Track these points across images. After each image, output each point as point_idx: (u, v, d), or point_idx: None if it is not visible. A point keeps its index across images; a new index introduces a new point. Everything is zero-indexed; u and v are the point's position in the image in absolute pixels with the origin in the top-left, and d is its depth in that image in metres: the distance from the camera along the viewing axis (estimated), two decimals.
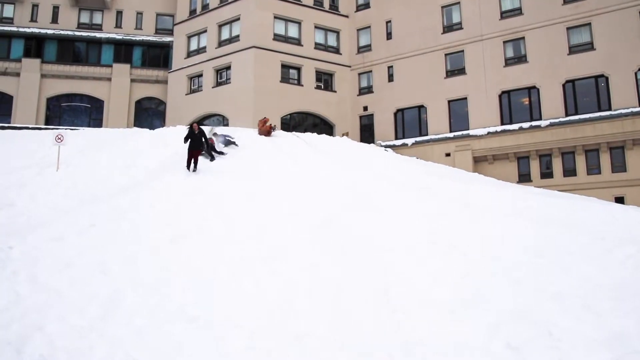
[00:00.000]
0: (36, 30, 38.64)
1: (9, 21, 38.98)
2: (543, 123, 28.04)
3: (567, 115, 27.82)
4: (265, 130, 25.01)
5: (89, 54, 39.73)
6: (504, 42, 30.32)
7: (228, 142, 20.97)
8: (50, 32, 38.74)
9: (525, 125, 28.53)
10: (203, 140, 16.75)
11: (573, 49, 28.16)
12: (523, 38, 29.73)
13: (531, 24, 29.47)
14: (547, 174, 28.08)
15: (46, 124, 36.86)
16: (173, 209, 11.45)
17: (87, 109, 38.72)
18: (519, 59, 29.87)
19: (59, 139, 16.68)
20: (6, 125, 33.90)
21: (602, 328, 5.92)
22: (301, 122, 34.91)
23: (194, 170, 15.81)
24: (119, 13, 40.51)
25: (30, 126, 33.69)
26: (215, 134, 21.08)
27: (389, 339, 5.79)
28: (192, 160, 16.04)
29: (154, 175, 15.03)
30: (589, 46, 27.73)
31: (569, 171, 27.37)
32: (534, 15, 29.45)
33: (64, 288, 6.98)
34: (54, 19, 39.56)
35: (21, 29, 38.50)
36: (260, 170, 16.64)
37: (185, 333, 5.89)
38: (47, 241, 8.85)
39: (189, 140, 16.17)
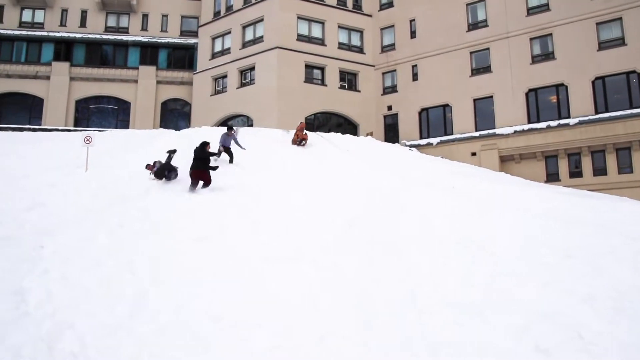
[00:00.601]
0: (65, 35, 39.44)
1: (40, 26, 39.85)
2: (572, 121, 27.50)
3: (596, 113, 27.23)
4: (297, 139, 22.53)
5: (116, 57, 40.39)
6: (531, 39, 29.82)
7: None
8: (78, 36, 39.50)
9: (553, 123, 28.01)
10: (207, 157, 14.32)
11: (603, 45, 27.56)
12: (550, 34, 29.21)
13: (559, 19, 28.93)
14: (576, 173, 27.52)
15: (75, 125, 37.58)
16: (198, 208, 11.55)
17: (114, 110, 39.36)
18: (546, 56, 29.35)
19: (88, 140, 16.99)
20: (37, 127, 34.67)
21: (636, 331, 5.76)
22: (325, 122, 34.90)
23: (193, 188, 13.52)
24: (145, 16, 41.09)
25: (59, 128, 34.38)
26: (230, 128, 18.85)
27: (415, 339, 5.73)
28: (195, 183, 13.73)
29: (180, 175, 15.16)
30: (620, 42, 27.10)
31: (599, 170, 26.78)
32: (562, 10, 28.90)
33: (93, 287, 7.09)
34: (82, 23, 40.32)
35: (51, 34, 39.33)
36: (285, 170, 16.67)
37: (210, 332, 5.92)
38: (77, 241, 9.01)
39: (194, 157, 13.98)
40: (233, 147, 18.37)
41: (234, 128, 19.50)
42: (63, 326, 5.95)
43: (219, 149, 18.18)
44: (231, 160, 17.95)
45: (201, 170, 13.81)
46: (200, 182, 13.78)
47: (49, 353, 5.43)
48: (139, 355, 5.48)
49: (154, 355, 5.47)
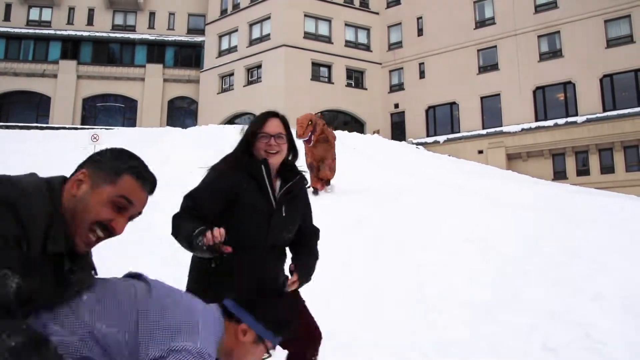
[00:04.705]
0: (72, 33, 39.61)
1: (47, 24, 40.03)
2: (579, 119, 27.41)
3: (604, 110, 27.13)
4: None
5: (123, 55, 40.56)
6: (539, 36, 29.74)
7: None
8: (86, 34, 39.66)
9: (561, 121, 27.93)
10: None
11: (611, 43, 27.43)
12: (558, 32, 29.11)
13: (567, 17, 28.83)
14: (583, 171, 27.45)
15: (82, 124, 37.78)
16: None
17: (121, 108, 39.53)
18: (554, 53, 29.25)
19: (95, 138, 17.11)
20: (44, 125, 34.87)
21: None
22: (332, 120, 34.91)
23: None
24: (152, 14, 41.22)
25: (67, 126, 34.60)
26: None
27: (423, 338, 5.72)
28: None
29: (187, 172, 15.21)
30: (629, 39, 26.98)
31: (607, 168, 26.71)
32: (570, 8, 28.79)
33: None
34: (90, 22, 40.48)
35: (58, 32, 39.52)
36: None
37: None
38: None
39: None
40: None
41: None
42: None
43: None
44: None
45: None
46: None
47: None
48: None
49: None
